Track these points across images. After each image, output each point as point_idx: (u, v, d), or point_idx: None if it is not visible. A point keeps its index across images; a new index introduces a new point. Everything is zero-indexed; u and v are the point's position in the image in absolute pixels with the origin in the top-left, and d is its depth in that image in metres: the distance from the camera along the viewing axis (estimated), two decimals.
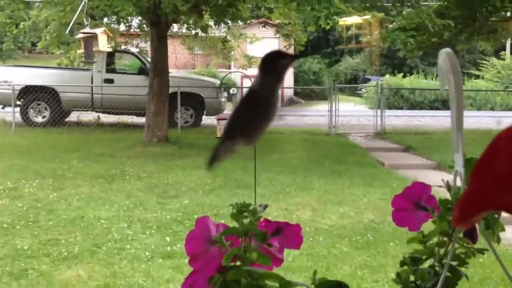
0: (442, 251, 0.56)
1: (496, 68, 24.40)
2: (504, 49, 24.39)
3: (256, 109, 0.80)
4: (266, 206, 0.63)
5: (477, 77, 23.81)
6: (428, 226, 0.62)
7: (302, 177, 6.38)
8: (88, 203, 5.08)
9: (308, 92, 26.51)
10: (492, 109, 19.70)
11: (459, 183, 0.55)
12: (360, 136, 11.21)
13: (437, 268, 0.57)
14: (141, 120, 10.30)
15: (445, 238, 0.56)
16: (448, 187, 0.57)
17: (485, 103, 20.14)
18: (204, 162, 0.82)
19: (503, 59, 24.77)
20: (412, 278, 0.57)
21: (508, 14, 11.06)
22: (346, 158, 7.90)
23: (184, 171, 6.55)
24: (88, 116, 11.97)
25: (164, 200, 5.21)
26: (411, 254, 0.58)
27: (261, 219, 0.64)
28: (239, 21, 10.73)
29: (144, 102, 9.21)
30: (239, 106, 0.83)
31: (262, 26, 11.66)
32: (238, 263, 0.61)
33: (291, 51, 20.90)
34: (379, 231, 4.40)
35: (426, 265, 0.58)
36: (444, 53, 0.54)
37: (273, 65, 0.78)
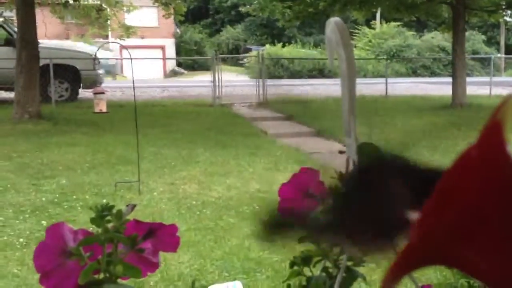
0: (336, 249, 0.51)
1: (368, 37, 25.78)
2: (375, 19, 25.79)
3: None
4: (134, 207, 0.53)
5: None
6: None
7: (187, 150, 6.28)
8: None
9: (191, 62, 26.24)
10: (364, 76, 20.82)
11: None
12: (243, 106, 11.29)
13: (330, 270, 0.51)
14: (10, 95, 9.50)
15: None
16: (341, 176, 0.51)
17: (358, 71, 21.24)
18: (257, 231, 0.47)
19: (374, 28, 26.21)
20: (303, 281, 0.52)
21: None
22: (230, 129, 7.91)
23: (60, 148, 6.15)
24: None
25: (39, 181, 4.85)
26: (303, 254, 0.52)
27: (130, 220, 0.54)
28: None
29: (12, 75, 8.48)
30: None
31: None
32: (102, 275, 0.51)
33: (170, 21, 20.39)
34: (265, 200, 4.45)
35: (318, 266, 0.52)
36: (333, 23, 0.47)
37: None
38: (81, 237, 0.52)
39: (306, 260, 0.51)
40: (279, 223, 0.42)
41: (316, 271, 0.52)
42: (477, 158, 0.22)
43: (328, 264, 0.51)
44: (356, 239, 0.40)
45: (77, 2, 10.17)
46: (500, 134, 0.21)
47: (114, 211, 0.51)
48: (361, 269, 0.52)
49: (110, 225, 0.52)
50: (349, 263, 0.50)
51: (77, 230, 0.53)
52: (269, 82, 12.93)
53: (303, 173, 0.59)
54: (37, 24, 8.53)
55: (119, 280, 0.52)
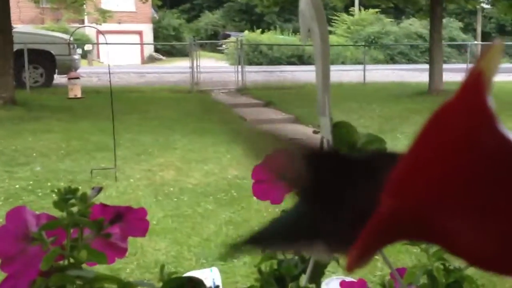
0: None
1: (346, 24, 25.80)
2: (353, 5, 25.80)
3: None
4: (100, 189, 0.51)
5: (330, 32, 24.94)
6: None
7: (164, 136, 6.22)
8: None
9: (169, 48, 25.95)
10: (343, 63, 20.85)
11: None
12: (222, 92, 11.23)
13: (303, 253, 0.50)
14: None
15: None
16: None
17: (337, 58, 21.25)
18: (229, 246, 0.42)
19: (352, 15, 26.23)
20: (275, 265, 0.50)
21: None
22: (208, 115, 7.86)
23: (35, 135, 6.04)
24: None
25: (13, 168, 4.76)
26: None
27: (96, 204, 0.52)
28: None
29: None
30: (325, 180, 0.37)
31: None
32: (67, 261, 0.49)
33: (148, 5, 20.08)
34: (243, 186, 4.44)
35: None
36: None
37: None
38: (43, 221, 0.49)
39: None
40: (242, 247, 0.40)
41: (289, 254, 0.51)
42: (456, 112, 0.20)
43: None
44: (337, 244, 0.34)
45: None
46: (481, 86, 0.19)
47: (78, 194, 0.49)
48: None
49: (75, 209, 0.50)
50: None
51: (39, 214, 0.50)
52: (248, 68, 12.87)
53: (277, 154, 0.57)
54: (11, 9, 8.34)
55: (84, 266, 0.49)
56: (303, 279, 0.47)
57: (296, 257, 0.48)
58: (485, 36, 28.36)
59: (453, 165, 0.20)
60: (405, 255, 2.76)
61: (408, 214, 0.19)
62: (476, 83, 0.19)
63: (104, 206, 0.53)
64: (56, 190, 0.48)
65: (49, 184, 4.28)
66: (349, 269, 0.20)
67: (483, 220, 0.19)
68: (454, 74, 14.00)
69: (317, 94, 0.46)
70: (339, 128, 0.46)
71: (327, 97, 0.45)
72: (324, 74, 0.45)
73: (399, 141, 5.81)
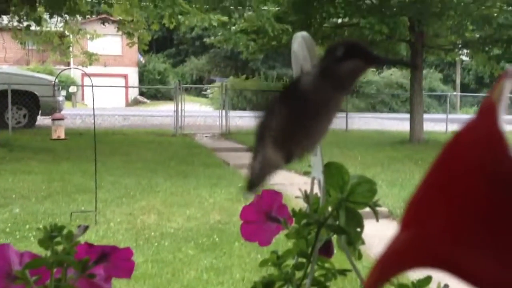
0: (299, 273, 0.48)
1: None
2: None
3: (301, 113, 0.55)
4: (86, 228, 0.50)
5: None
6: (280, 241, 0.54)
7: (147, 179, 6.17)
8: None
9: (154, 92, 26.13)
10: None
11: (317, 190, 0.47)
12: (206, 136, 11.26)
13: None
14: None
15: (303, 260, 0.48)
16: (306, 197, 0.49)
17: None
18: (241, 188, 0.59)
19: None
20: None
21: (340, 20, 11.91)
22: (192, 159, 7.84)
23: (15, 176, 5.95)
24: None
25: None
26: (264, 279, 0.49)
27: (81, 243, 0.51)
28: (77, 16, 10.10)
29: None
30: (273, 107, 0.58)
31: (102, 23, 10.96)
32: None
33: (134, 50, 20.33)
34: (225, 231, 4.39)
35: None
36: (300, 37, 0.46)
37: (336, 66, 0.48)
38: (27, 259, 0.48)
39: (268, 285, 0.49)
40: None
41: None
42: (470, 143, 0.20)
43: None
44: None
45: (40, 28, 10.02)
46: (495, 115, 0.19)
47: (64, 232, 0.48)
48: None
49: (59, 248, 0.49)
50: None
51: (23, 252, 0.49)
52: (232, 113, 12.97)
53: (265, 194, 0.57)
54: None
55: None
56: None
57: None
58: (464, 87, 29.09)
59: (468, 193, 0.20)
60: None
61: (425, 244, 0.19)
62: (490, 113, 0.19)
63: (89, 245, 0.52)
64: (41, 227, 0.47)
65: (27, 226, 4.19)
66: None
67: (501, 250, 0.19)
68: (434, 123, 14.27)
69: None
70: (330, 169, 0.46)
71: None
72: None
73: (380, 188, 5.84)
